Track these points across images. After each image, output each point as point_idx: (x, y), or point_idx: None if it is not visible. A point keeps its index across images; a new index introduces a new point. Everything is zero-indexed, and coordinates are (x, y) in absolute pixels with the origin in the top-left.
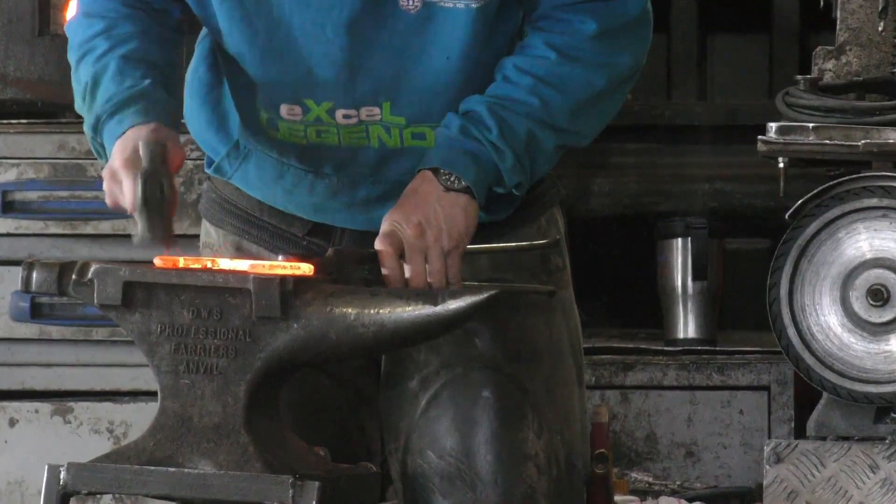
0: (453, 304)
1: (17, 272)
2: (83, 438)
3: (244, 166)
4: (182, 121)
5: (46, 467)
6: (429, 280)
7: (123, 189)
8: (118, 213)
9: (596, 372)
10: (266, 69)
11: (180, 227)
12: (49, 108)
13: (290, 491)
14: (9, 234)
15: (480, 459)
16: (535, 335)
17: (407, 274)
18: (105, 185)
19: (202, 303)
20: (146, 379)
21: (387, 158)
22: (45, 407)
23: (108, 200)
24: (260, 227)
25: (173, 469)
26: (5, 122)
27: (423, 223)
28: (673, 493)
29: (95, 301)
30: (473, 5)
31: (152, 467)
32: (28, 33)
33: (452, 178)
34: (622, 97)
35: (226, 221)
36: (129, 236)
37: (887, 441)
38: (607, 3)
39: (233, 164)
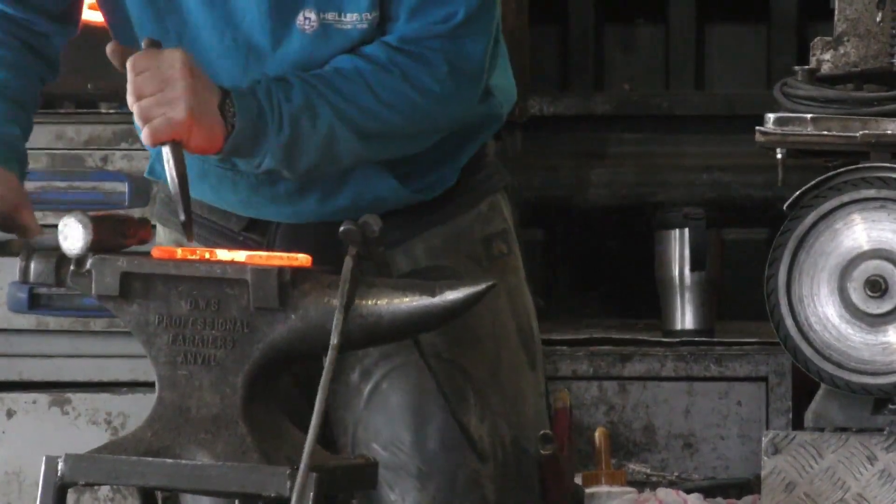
0: (451, 296)
1: (15, 262)
2: (81, 429)
3: None
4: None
5: (44, 458)
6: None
7: None
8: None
9: (594, 363)
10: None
11: None
12: (47, 99)
13: (288, 482)
14: None
15: (423, 448)
16: (476, 321)
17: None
18: None
19: (200, 294)
20: (144, 370)
21: None
22: (43, 398)
23: None
24: (199, 225)
25: (171, 460)
26: None
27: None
28: (671, 485)
29: (93, 292)
30: (360, 27)
31: (150, 458)
32: None
33: (232, 112)
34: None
35: (170, 220)
36: None
37: (885, 432)
38: (454, 42)
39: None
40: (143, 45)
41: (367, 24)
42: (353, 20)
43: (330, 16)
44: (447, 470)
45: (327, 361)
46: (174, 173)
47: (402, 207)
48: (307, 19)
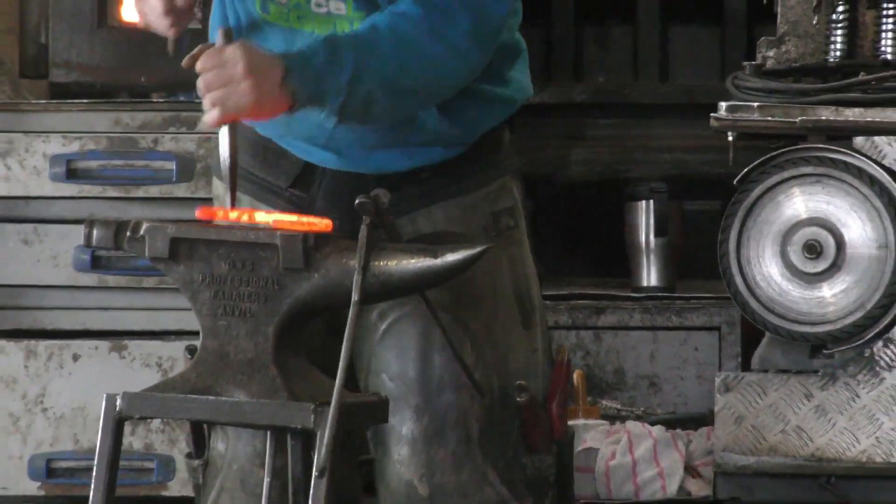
0: (451, 257)
1: (80, 230)
2: (135, 371)
3: None
4: None
5: (105, 396)
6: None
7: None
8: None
9: (572, 315)
10: None
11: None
12: (106, 90)
13: (312, 416)
14: (72, 198)
15: (423, 384)
16: (477, 283)
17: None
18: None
19: (237, 256)
20: (190, 321)
21: None
22: (104, 344)
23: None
24: (250, 181)
25: (212, 398)
26: (69, 101)
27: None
28: (637, 418)
29: (146, 254)
30: None
31: (195, 396)
32: (88, 27)
33: (292, 88)
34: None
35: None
36: (175, 199)
37: (820, 373)
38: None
39: None
40: (219, 34)
41: None
42: None
43: None
44: (440, 406)
45: (350, 315)
46: (226, 153)
47: (428, 178)
48: None
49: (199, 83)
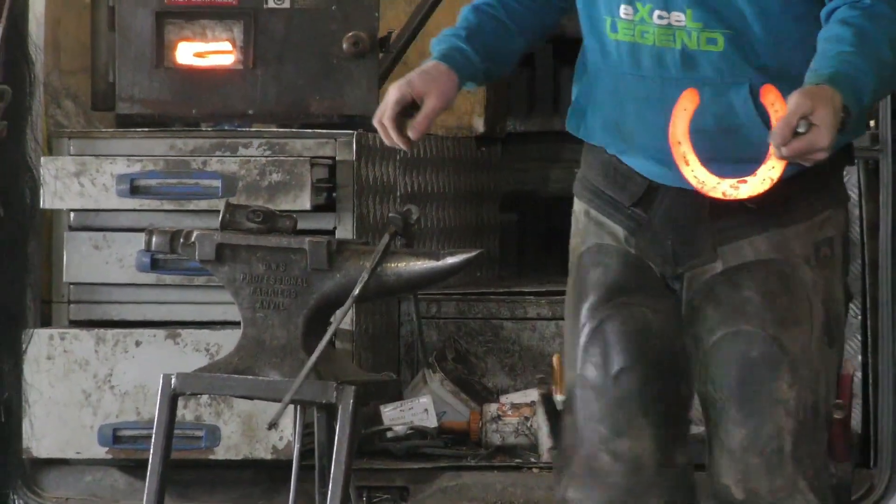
0: (451, 260)
1: (141, 237)
2: (188, 355)
3: (593, 95)
4: (475, 83)
5: (161, 376)
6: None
7: (384, 104)
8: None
9: (552, 308)
10: None
11: None
12: (163, 120)
13: (335, 393)
14: (135, 210)
15: (744, 400)
16: (799, 307)
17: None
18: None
19: (272, 258)
20: (233, 313)
21: (687, 60)
22: (161, 333)
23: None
24: (598, 196)
25: (251, 377)
26: (133, 129)
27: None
28: None
29: (197, 257)
30: None
31: (237, 375)
32: (148, 67)
33: (845, 105)
34: None
35: (583, 195)
36: (217, 211)
37: None
38: None
39: (583, 98)
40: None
41: None
42: None
43: None
44: (758, 420)
45: (346, 304)
46: None
47: (759, 211)
48: None
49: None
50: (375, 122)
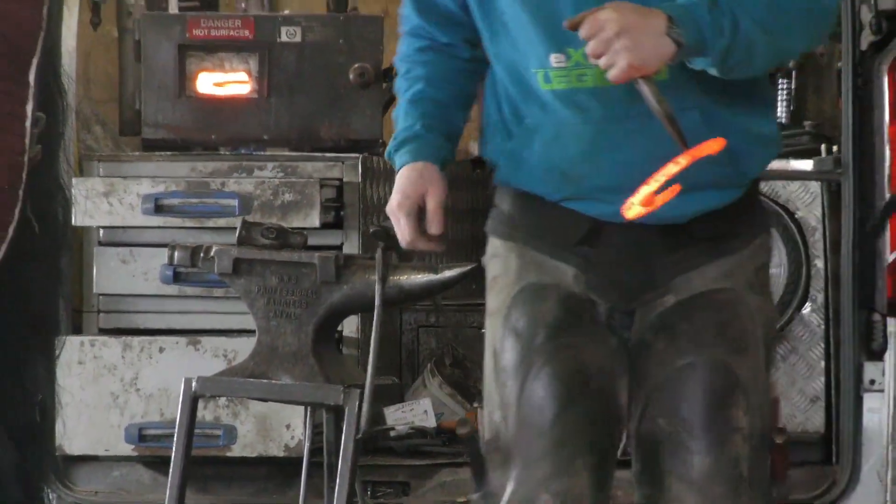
0: (448, 273)
1: (165, 252)
2: (207, 361)
3: (531, 146)
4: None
5: (183, 380)
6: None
7: (399, 226)
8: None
9: None
10: (535, 25)
11: None
12: (185, 144)
13: (342, 395)
14: (159, 227)
15: (707, 431)
16: (748, 336)
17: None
18: (392, 221)
19: (284, 272)
20: (249, 322)
21: (632, 94)
22: (183, 340)
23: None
24: (541, 239)
25: (265, 381)
26: (157, 153)
27: (615, 19)
28: None
29: (216, 271)
30: None
31: (252, 379)
32: (172, 96)
33: (677, 32)
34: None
35: (514, 236)
36: (234, 228)
37: None
38: None
39: (519, 149)
40: (566, 25)
41: None
42: None
43: None
44: (719, 449)
45: (375, 316)
46: (655, 106)
47: (703, 238)
48: None
49: (587, 49)
50: (408, 245)
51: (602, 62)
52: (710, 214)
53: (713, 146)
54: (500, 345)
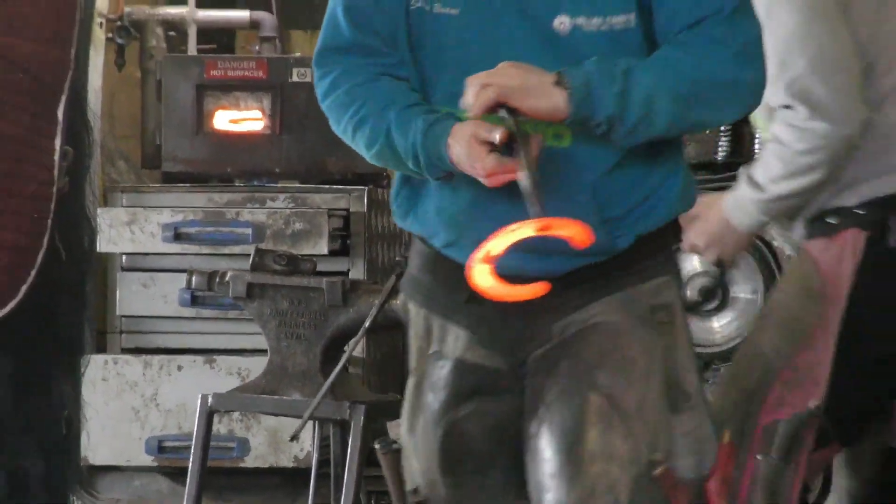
0: None
1: (183, 277)
2: (222, 378)
3: (426, 185)
4: None
5: (200, 396)
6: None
7: (482, 161)
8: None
9: None
10: (453, 78)
11: None
12: (202, 177)
13: (348, 411)
14: (178, 254)
15: (577, 457)
16: (633, 367)
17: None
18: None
19: (295, 296)
20: (261, 342)
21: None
22: (199, 359)
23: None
24: (437, 301)
25: (277, 397)
26: (176, 185)
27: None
28: None
29: (230, 295)
30: (616, 28)
31: (265, 395)
32: (190, 132)
33: (567, 80)
34: (732, 110)
35: (416, 297)
36: (248, 255)
37: (710, 382)
38: (731, 27)
39: (417, 188)
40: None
41: (620, 27)
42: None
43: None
44: (591, 477)
45: (358, 335)
46: (522, 164)
47: (588, 282)
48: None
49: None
50: (492, 181)
51: (469, 95)
52: (590, 266)
53: (573, 235)
54: (423, 408)
